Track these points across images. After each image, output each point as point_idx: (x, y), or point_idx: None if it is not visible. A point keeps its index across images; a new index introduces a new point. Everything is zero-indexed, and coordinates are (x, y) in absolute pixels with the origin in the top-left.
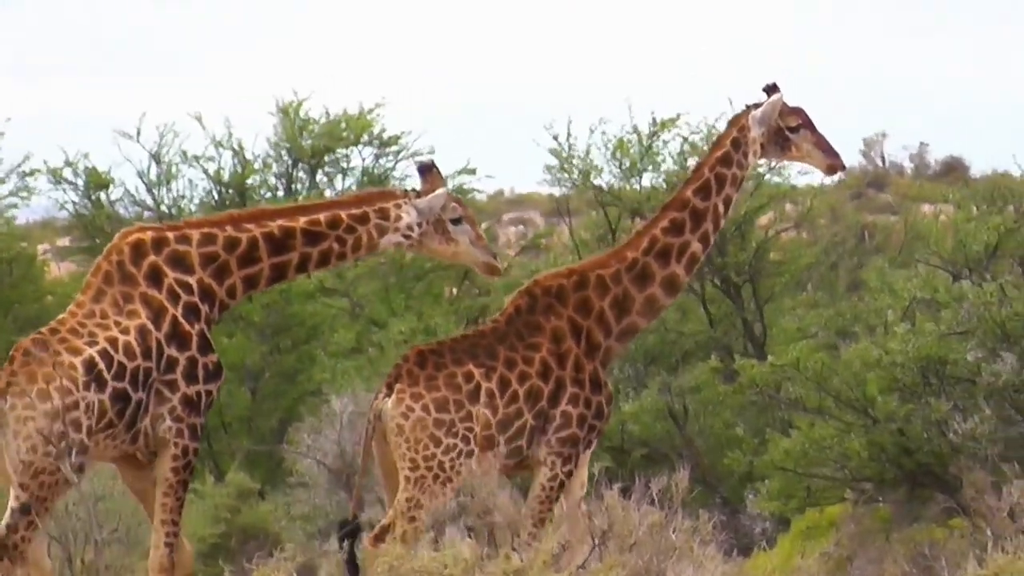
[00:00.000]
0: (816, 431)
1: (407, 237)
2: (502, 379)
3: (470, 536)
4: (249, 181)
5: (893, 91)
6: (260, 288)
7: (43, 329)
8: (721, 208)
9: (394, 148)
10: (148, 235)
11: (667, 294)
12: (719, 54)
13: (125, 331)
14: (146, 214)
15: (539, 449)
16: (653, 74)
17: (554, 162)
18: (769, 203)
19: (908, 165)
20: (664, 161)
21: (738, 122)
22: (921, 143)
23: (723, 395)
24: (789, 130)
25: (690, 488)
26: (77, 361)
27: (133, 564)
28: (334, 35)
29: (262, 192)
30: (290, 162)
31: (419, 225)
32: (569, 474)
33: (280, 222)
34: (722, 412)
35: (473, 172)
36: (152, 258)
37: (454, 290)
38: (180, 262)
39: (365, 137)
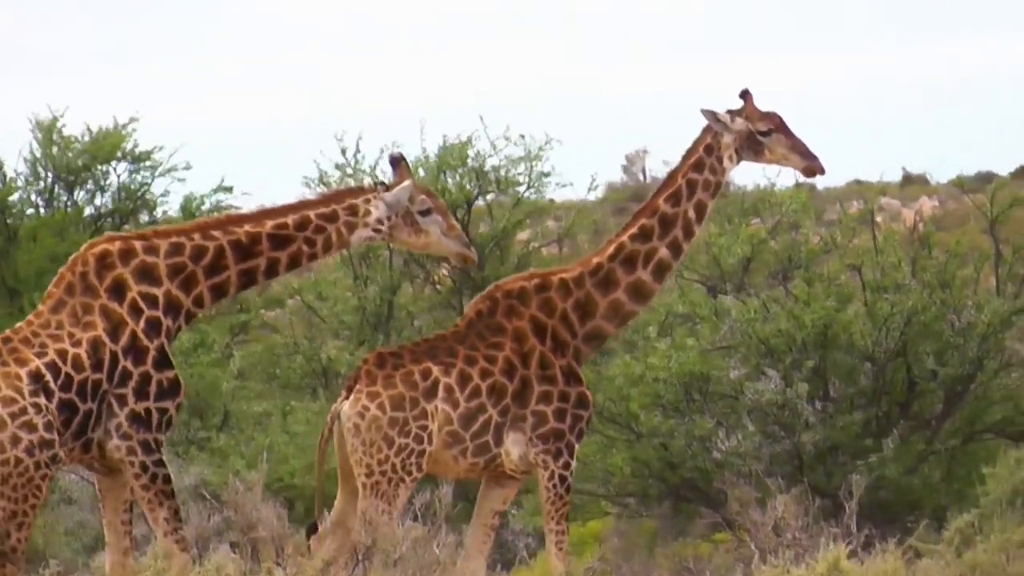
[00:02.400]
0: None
1: (377, 231)
2: (462, 374)
3: (234, 551)
4: (12, 198)
5: (654, 107)
6: (230, 295)
7: None
8: (692, 214)
9: (149, 163)
10: (115, 246)
11: (633, 300)
12: (497, 74)
13: (77, 343)
14: None
15: (527, 451)
16: (449, 97)
17: (314, 175)
18: (526, 219)
19: None
20: (448, 190)
21: (712, 128)
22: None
23: None
24: (760, 134)
25: (454, 504)
26: (23, 372)
27: None
28: (94, 48)
29: (25, 210)
30: (50, 179)
31: (388, 219)
32: (566, 466)
33: (247, 228)
34: None
35: (229, 190)
36: (118, 270)
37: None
38: (147, 274)
39: (119, 153)
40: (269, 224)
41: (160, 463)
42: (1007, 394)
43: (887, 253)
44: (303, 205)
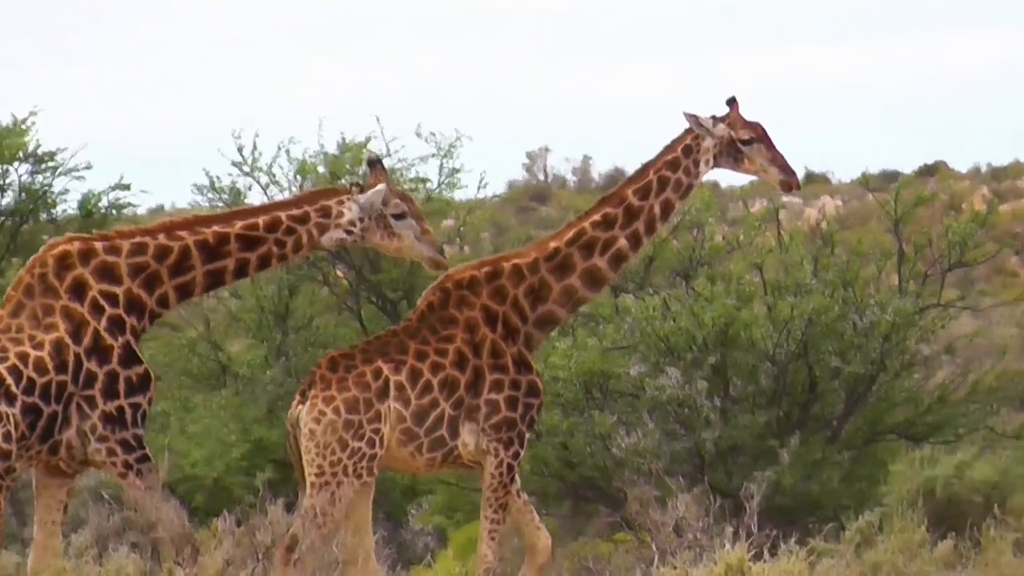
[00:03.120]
0: None
1: (349, 233)
2: (413, 371)
3: (134, 551)
4: None
5: (556, 105)
6: (197, 295)
7: None
8: (657, 210)
9: (51, 164)
10: (75, 246)
11: (587, 287)
12: (398, 76)
13: (39, 346)
14: None
15: (479, 440)
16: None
17: (204, 181)
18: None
19: (571, 178)
20: (338, 176)
21: (693, 131)
22: (584, 156)
23: None
24: (742, 143)
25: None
26: None
27: None
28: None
29: None
30: None
31: (361, 220)
32: (515, 456)
33: (215, 228)
34: None
35: (127, 187)
36: (77, 270)
37: None
38: (108, 273)
39: (20, 154)
40: (238, 225)
41: (143, 458)
42: (909, 395)
43: (790, 252)
44: (275, 206)
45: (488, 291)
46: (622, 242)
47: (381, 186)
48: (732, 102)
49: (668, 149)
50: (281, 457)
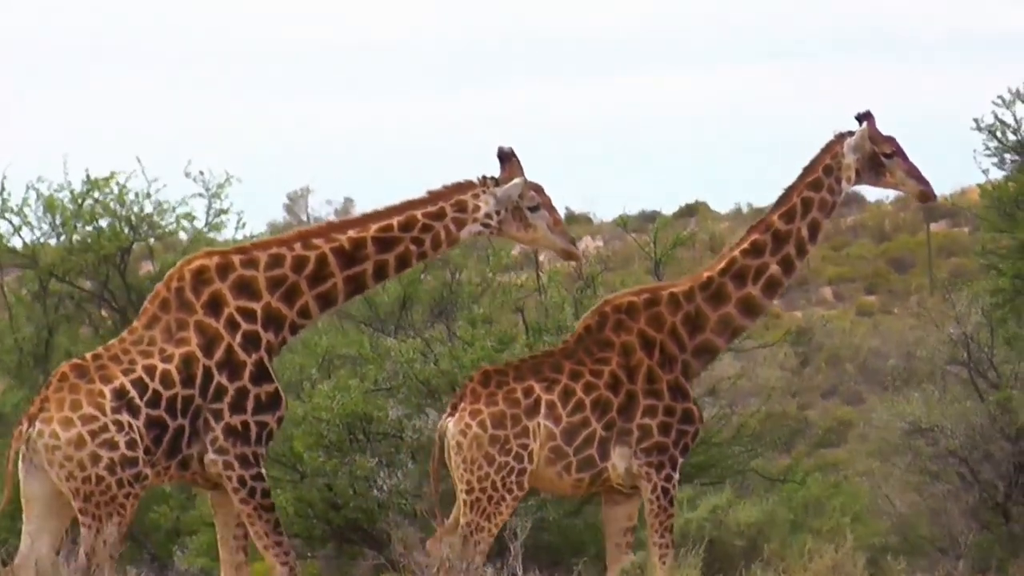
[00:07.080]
0: None
1: (486, 226)
2: (566, 390)
3: None
4: None
5: (317, 147)
6: (340, 302)
7: (87, 355)
8: (805, 232)
9: None
10: (213, 261)
11: (743, 315)
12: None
13: (168, 359)
14: None
15: (631, 464)
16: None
17: None
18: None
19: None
20: (97, 218)
21: (831, 149)
22: (346, 198)
23: None
24: (884, 156)
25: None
26: (107, 389)
27: None
28: None
29: None
30: None
31: (497, 213)
32: (668, 479)
33: (350, 233)
34: None
35: None
36: (215, 285)
37: None
38: (246, 288)
39: None
40: (373, 228)
41: (258, 477)
42: None
43: (550, 293)
44: (409, 205)
45: (646, 317)
46: (774, 268)
47: (519, 179)
48: (867, 116)
49: (808, 170)
50: None
